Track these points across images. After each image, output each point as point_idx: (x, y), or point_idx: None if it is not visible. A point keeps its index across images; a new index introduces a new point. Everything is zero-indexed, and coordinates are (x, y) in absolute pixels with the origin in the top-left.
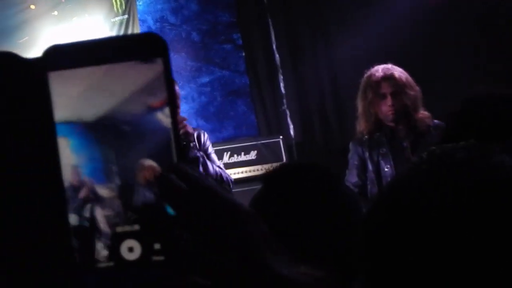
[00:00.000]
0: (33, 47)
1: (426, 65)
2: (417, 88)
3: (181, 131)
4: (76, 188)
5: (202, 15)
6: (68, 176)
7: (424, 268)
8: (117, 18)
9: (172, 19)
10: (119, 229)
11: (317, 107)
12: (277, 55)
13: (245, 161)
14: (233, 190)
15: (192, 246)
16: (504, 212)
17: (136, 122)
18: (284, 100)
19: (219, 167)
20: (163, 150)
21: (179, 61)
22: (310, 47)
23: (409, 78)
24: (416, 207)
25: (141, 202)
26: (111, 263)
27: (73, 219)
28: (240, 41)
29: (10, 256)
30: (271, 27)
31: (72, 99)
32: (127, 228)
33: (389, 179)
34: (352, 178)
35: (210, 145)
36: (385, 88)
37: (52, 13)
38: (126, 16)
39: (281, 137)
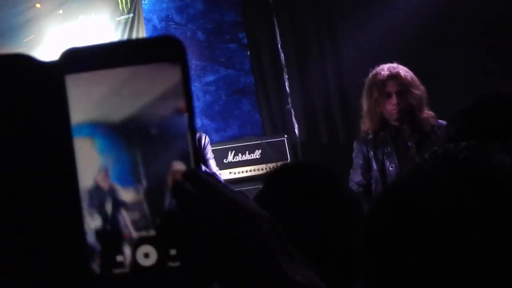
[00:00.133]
0: (38, 46)
1: (432, 65)
2: (422, 87)
3: None
4: (100, 190)
5: (207, 14)
6: (91, 177)
7: (424, 268)
8: (122, 17)
9: (177, 18)
10: (135, 234)
11: (322, 106)
12: (282, 54)
13: (250, 160)
14: (238, 189)
15: (207, 252)
16: (505, 212)
17: (164, 124)
18: (289, 99)
19: (214, 174)
20: (189, 153)
21: None
22: (315, 46)
23: (414, 78)
24: (418, 207)
25: (167, 207)
26: (127, 269)
27: (95, 221)
28: (245, 40)
29: (22, 258)
30: (276, 26)
31: (94, 100)
32: (143, 233)
33: (393, 178)
34: (356, 177)
35: (210, 150)
36: (391, 87)
37: (58, 12)
38: (131, 15)
39: (285, 136)
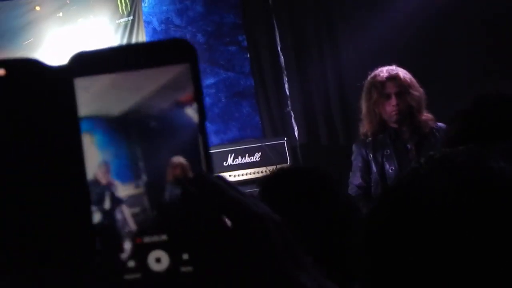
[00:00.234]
0: (38, 49)
1: (432, 65)
2: (421, 89)
3: None
4: (100, 186)
5: (207, 16)
6: (92, 173)
7: (422, 268)
8: (122, 20)
9: (177, 20)
10: (146, 239)
11: (322, 109)
12: (282, 57)
13: (250, 162)
14: None
15: (217, 257)
16: (502, 214)
17: (164, 117)
18: (289, 102)
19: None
20: (190, 147)
21: None
22: (315, 48)
23: (413, 79)
24: (416, 209)
25: (169, 204)
26: (138, 275)
27: (97, 218)
28: (245, 43)
29: (29, 255)
30: (276, 29)
31: (95, 95)
32: (154, 238)
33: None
34: (356, 180)
35: None
36: (390, 88)
37: (57, 15)
38: (131, 17)
39: (285, 138)
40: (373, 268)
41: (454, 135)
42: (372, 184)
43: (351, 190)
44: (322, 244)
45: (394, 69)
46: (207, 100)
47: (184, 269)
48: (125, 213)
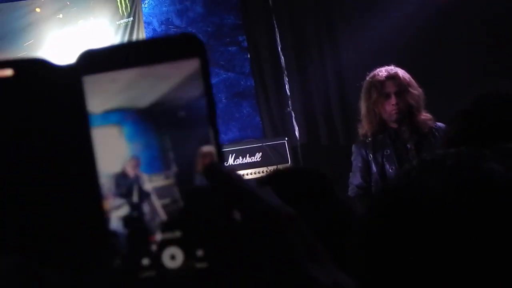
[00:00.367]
0: (39, 50)
1: (432, 65)
2: (420, 89)
3: None
4: (126, 179)
5: (207, 17)
6: (119, 166)
7: (413, 270)
8: (122, 21)
9: (177, 21)
10: (161, 236)
11: (322, 109)
12: (282, 57)
13: (250, 163)
14: None
15: (232, 252)
16: (492, 216)
17: (191, 106)
18: (289, 102)
19: None
20: (204, 140)
21: None
22: (315, 48)
23: (412, 79)
24: (407, 211)
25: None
26: (153, 273)
27: (123, 211)
28: (245, 43)
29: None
30: (276, 29)
31: (117, 90)
32: (168, 235)
33: None
34: (356, 180)
35: None
36: (389, 87)
37: (57, 16)
38: (131, 18)
39: (286, 139)
40: (369, 270)
41: (454, 135)
42: (372, 184)
43: (351, 191)
44: (323, 243)
45: (393, 68)
46: None
47: (199, 265)
48: (155, 205)
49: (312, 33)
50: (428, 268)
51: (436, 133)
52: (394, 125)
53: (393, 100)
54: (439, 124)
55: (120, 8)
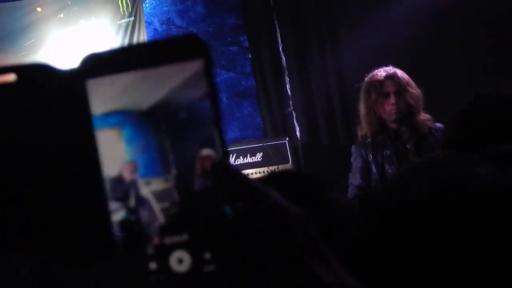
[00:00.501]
0: (40, 50)
1: (432, 65)
2: (419, 90)
3: None
4: (123, 182)
5: (208, 17)
6: (116, 168)
7: (396, 275)
8: (123, 21)
9: (178, 21)
10: (168, 240)
11: (323, 109)
12: (283, 57)
13: (251, 163)
14: None
15: (241, 254)
16: (478, 221)
17: (192, 108)
18: (290, 102)
19: None
20: (209, 141)
21: None
22: (316, 48)
23: (410, 79)
24: (394, 216)
25: (189, 201)
26: (161, 277)
27: (120, 216)
28: (246, 43)
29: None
30: (277, 29)
31: (118, 92)
32: (175, 238)
33: None
34: (355, 180)
35: None
36: (389, 87)
37: (58, 16)
38: (132, 18)
39: (287, 138)
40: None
41: (453, 135)
42: (372, 185)
43: (351, 191)
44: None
45: (391, 68)
46: None
47: (206, 268)
48: (154, 208)
49: (313, 33)
50: (412, 272)
51: (435, 134)
52: (394, 125)
53: (392, 100)
54: (438, 124)
55: (121, 8)
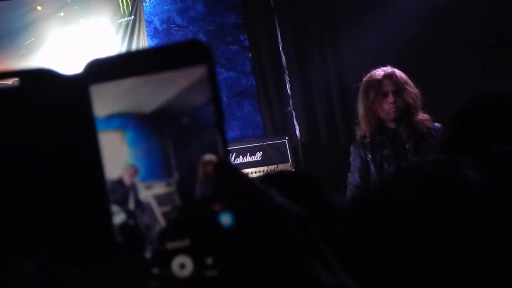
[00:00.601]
0: (40, 48)
1: (432, 65)
2: (417, 90)
3: None
4: (123, 186)
5: (208, 16)
6: (117, 171)
7: (389, 278)
8: (124, 19)
9: (178, 20)
10: (169, 245)
11: (323, 108)
12: (283, 56)
13: (251, 162)
14: None
15: (242, 257)
16: (467, 223)
17: (195, 113)
18: (290, 101)
19: None
20: (212, 146)
21: None
22: (316, 48)
23: (409, 79)
24: (384, 218)
25: (190, 206)
26: (163, 282)
27: (119, 220)
28: (247, 42)
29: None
30: (277, 28)
31: (121, 96)
32: (177, 243)
33: None
34: (354, 180)
35: None
36: (387, 86)
37: (58, 15)
38: (132, 17)
39: (287, 138)
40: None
41: (451, 135)
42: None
43: (350, 191)
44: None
45: (389, 68)
46: None
47: (209, 273)
48: (155, 212)
49: (313, 33)
50: (403, 275)
51: (434, 133)
52: (392, 125)
53: (390, 98)
54: (437, 124)
55: (121, 7)
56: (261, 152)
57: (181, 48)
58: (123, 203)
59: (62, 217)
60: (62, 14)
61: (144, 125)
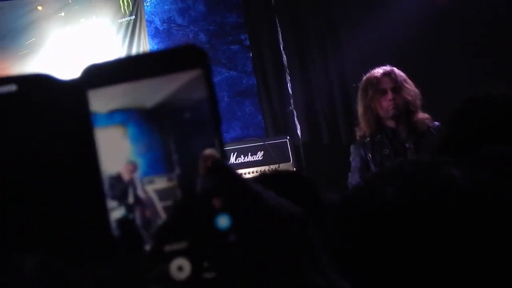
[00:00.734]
0: (41, 48)
1: (432, 66)
2: (416, 89)
3: None
4: (124, 181)
5: (209, 16)
6: (117, 166)
7: (372, 280)
8: (124, 19)
9: (179, 20)
10: (167, 248)
11: (324, 107)
12: (284, 56)
13: (252, 161)
14: None
15: (240, 259)
16: (453, 222)
17: (197, 108)
18: (291, 101)
19: None
20: (217, 144)
21: None
22: (317, 47)
23: (408, 79)
24: (366, 218)
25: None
26: (161, 285)
27: (119, 214)
28: (248, 42)
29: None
30: (278, 28)
31: (121, 94)
32: (175, 246)
33: None
34: (354, 180)
35: None
36: (386, 84)
37: (59, 14)
38: (133, 17)
39: (288, 137)
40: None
41: (447, 136)
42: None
43: None
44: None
45: (388, 66)
46: None
47: (206, 275)
48: (157, 206)
49: (314, 32)
50: (387, 276)
51: (434, 132)
52: (391, 124)
53: (389, 96)
54: (437, 123)
55: (122, 7)
56: (262, 152)
57: (177, 53)
58: (122, 199)
59: (59, 215)
60: (63, 14)
61: (146, 120)
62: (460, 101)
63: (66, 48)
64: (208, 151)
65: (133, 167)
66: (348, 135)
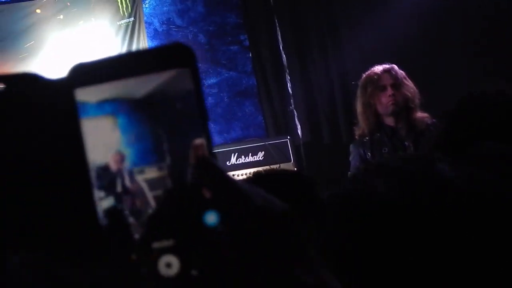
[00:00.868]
0: (40, 51)
1: (433, 65)
2: (415, 88)
3: None
4: (113, 172)
5: (208, 17)
6: (105, 156)
7: (363, 278)
8: (123, 21)
9: (178, 21)
10: (156, 245)
11: (324, 107)
12: (284, 56)
13: (253, 162)
14: None
15: (228, 256)
16: (444, 218)
17: (186, 100)
18: (292, 100)
19: None
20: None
21: None
22: (317, 47)
23: (407, 77)
24: (355, 214)
25: (175, 206)
26: (150, 282)
27: (107, 203)
28: (247, 42)
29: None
30: (278, 28)
31: (108, 88)
32: (164, 243)
33: None
34: None
35: None
36: (385, 80)
37: (58, 17)
38: (132, 18)
39: (288, 137)
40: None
41: (445, 133)
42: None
43: None
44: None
45: (388, 64)
46: (210, 100)
47: (195, 272)
48: (147, 196)
49: (313, 31)
50: (379, 274)
51: (434, 130)
52: (390, 121)
53: (389, 92)
54: (436, 121)
55: (120, 9)
56: (263, 152)
57: (164, 51)
58: (110, 189)
59: (45, 208)
60: (61, 16)
61: (136, 110)
62: (458, 98)
63: (65, 50)
64: (198, 141)
65: (121, 157)
66: (349, 134)
